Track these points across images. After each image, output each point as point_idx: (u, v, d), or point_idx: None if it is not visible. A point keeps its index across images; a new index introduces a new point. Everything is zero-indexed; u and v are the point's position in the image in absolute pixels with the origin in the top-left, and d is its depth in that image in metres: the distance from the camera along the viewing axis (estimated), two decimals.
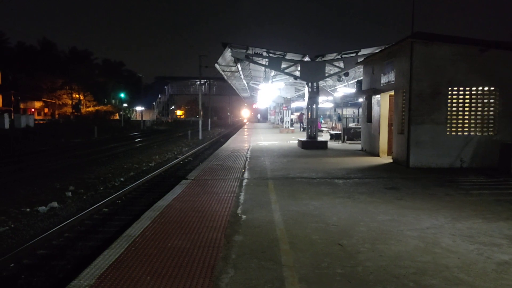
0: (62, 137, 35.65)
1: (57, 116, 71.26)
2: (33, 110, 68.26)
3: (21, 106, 65.49)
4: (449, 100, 12.26)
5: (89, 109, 74.85)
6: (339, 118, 27.58)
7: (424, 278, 4.16)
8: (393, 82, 13.77)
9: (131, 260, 4.68)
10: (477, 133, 12.34)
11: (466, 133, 12.34)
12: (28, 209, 10.27)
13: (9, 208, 10.28)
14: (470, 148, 12.30)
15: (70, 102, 72.25)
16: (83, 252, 7.43)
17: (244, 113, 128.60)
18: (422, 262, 4.62)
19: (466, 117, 12.33)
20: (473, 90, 12.26)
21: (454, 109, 12.31)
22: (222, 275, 4.24)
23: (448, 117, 12.27)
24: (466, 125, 12.34)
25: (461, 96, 12.28)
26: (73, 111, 71.90)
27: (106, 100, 79.46)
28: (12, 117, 47.33)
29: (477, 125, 12.34)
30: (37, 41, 74.90)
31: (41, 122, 58.77)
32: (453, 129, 12.33)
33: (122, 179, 14.83)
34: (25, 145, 28.44)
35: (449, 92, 12.25)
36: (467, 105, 12.32)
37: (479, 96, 12.29)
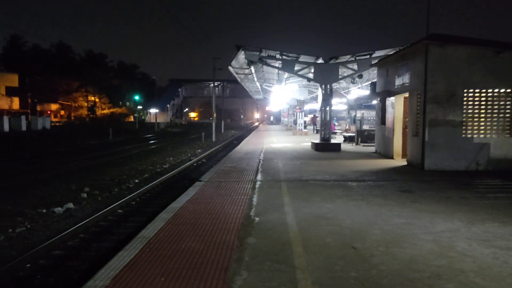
0: (78, 139, 36.11)
1: (73, 118, 72.28)
2: (49, 112, 69.40)
3: (38, 108, 66.62)
4: (464, 102, 12.12)
5: (104, 111, 75.73)
6: (353, 121, 27.45)
7: (439, 282, 4.12)
8: (407, 84, 13.66)
9: (146, 261, 4.72)
10: (493, 136, 12.17)
11: (482, 136, 12.18)
12: (44, 210, 10.42)
13: (26, 209, 10.45)
14: (486, 151, 12.13)
15: (85, 104, 73.20)
16: (98, 253, 7.51)
17: (257, 116, 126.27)
18: (437, 266, 4.57)
19: (482, 119, 12.18)
20: (489, 92, 12.10)
21: (469, 111, 12.16)
22: (235, 277, 4.26)
23: (464, 119, 12.13)
24: (482, 127, 12.18)
25: (476, 98, 12.13)
26: (89, 113, 72.83)
27: (121, 102, 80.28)
28: (29, 119, 48.10)
29: (493, 127, 12.17)
30: (52, 44, 75.98)
31: (57, 124, 59.71)
32: (469, 132, 12.18)
33: (136, 181, 14.96)
34: (41, 147, 28.88)
35: (465, 94, 12.11)
36: (483, 107, 12.16)
37: (495, 98, 12.12)
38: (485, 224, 6.28)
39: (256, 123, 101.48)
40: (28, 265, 6.82)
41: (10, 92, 59.02)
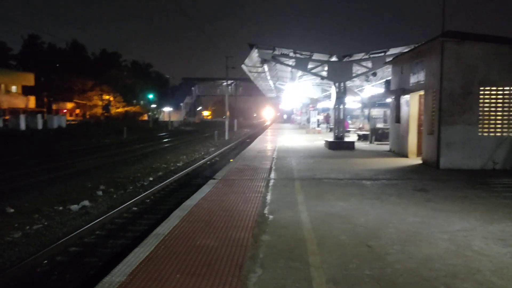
0: (93, 137, 36.53)
1: (88, 116, 73.07)
2: (65, 111, 70.16)
3: (54, 107, 67.41)
4: (480, 100, 11.94)
5: (119, 110, 76.44)
6: (369, 119, 27.29)
7: (455, 282, 4.08)
8: (422, 82, 13.52)
9: (161, 258, 4.77)
10: (510, 134, 11.98)
11: (498, 134, 11.99)
12: (60, 207, 10.58)
13: (43, 206, 10.62)
14: (503, 150, 11.95)
15: (100, 103, 73.96)
16: (114, 250, 7.60)
17: (267, 114, 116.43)
18: (453, 265, 4.53)
19: (499, 117, 11.99)
20: (506, 90, 11.91)
21: (486, 109, 11.98)
22: (250, 274, 4.28)
23: (480, 117, 11.96)
24: (499, 125, 11.99)
25: (493, 96, 11.95)
26: (103, 112, 73.58)
27: (135, 101, 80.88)
28: (45, 117, 48.74)
29: (510, 125, 11.98)
30: (66, 43, 76.83)
31: (73, 122, 60.35)
32: (485, 130, 12.01)
33: (150, 179, 15.09)
34: (57, 145, 29.28)
35: (481, 92, 11.93)
36: (499, 105, 11.97)
37: None
38: (502, 224, 6.20)
39: (267, 123, 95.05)
40: (46, 261, 6.94)
41: (27, 91, 59.91)
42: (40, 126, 45.15)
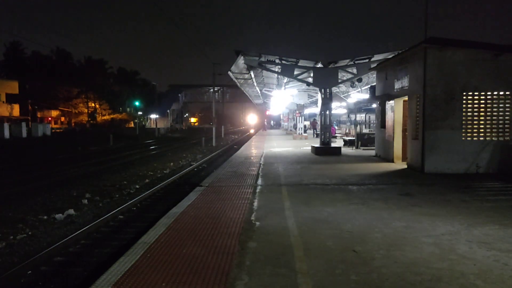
0: (79, 145, 36.13)
1: (73, 124, 72.37)
2: (50, 118, 69.46)
3: (38, 115, 66.69)
4: (464, 105, 12.13)
5: (105, 117, 75.89)
6: (355, 125, 27.52)
7: (440, 285, 4.13)
8: (406, 88, 13.70)
9: (147, 267, 4.74)
10: (493, 138, 12.18)
11: (482, 138, 12.18)
12: (45, 217, 10.43)
13: (27, 216, 10.46)
14: (486, 154, 12.14)
15: (86, 110, 73.36)
16: (99, 259, 7.52)
17: (253, 120, 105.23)
18: (437, 269, 4.58)
19: (482, 122, 12.18)
20: (488, 95, 12.12)
21: (469, 114, 12.17)
22: (237, 281, 4.27)
23: (463, 122, 12.14)
24: (482, 130, 12.19)
25: (476, 101, 12.15)
26: (89, 119, 72.97)
27: (121, 108, 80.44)
28: (30, 126, 48.15)
29: (493, 130, 12.18)
30: (51, 50, 76.03)
31: (58, 130, 59.74)
32: (469, 134, 12.19)
33: (137, 186, 14.97)
34: (42, 154, 28.90)
35: (464, 97, 12.13)
36: (482, 110, 12.17)
37: (494, 101, 12.14)
38: (486, 227, 6.29)
39: (252, 130, 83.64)
40: (30, 271, 6.83)
41: (10, 99, 59.08)
42: (24, 134, 44.59)
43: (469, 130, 12.19)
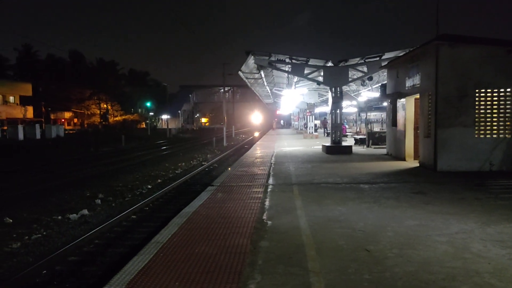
0: (91, 146, 36.46)
1: (86, 125, 73.12)
2: (63, 120, 70.29)
3: (52, 116, 67.53)
4: (476, 102, 12.00)
5: (117, 118, 76.56)
6: (366, 123, 27.38)
7: (454, 284, 4.10)
8: (418, 85, 13.59)
9: (160, 266, 4.77)
10: (507, 136, 12.02)
11: (495, 136, 12.03)
12: (59, 217, 10.56)
13: (41, 216, 10.61)
14: (499, 151, 11.99)
15: (98, 112, 74.10)
16: (113, 259, 7.59)
17: (261, 119, 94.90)
18: (451, 267, 4.54)
19: (495, 119, 12.04)
20: (501, 92, 11.97)
21: (482, 111, 12.03)
22: (249, 280, 4.28)
23: (476, 119, 12.01)
24: (495, 127, 12.04)
25: (489, 98, 12.00)
26: (101, 120, 73.66)
27: (132, 109, 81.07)
28: (43, 127, 48.75)
29: (507, 127, 12.03)
30: (65, 52, 76.99)
31: (71, 132, 60.39)
32: (482, 132, 12.05)
33: (149, 186, 15.08)
34: (55, 155, 29.24)
35: (477, 94, 11.99)
36: (495, 107, 12.02)
37: (507, 98, 11.98)
38: (500, 225, 6.22)
39: (262, 130, 72.14)
40: (44, 271, 6.92)
41: (24, 101, 59.96)
42: (38, 136, 45.18)
43: (482, 128, 12.05)
